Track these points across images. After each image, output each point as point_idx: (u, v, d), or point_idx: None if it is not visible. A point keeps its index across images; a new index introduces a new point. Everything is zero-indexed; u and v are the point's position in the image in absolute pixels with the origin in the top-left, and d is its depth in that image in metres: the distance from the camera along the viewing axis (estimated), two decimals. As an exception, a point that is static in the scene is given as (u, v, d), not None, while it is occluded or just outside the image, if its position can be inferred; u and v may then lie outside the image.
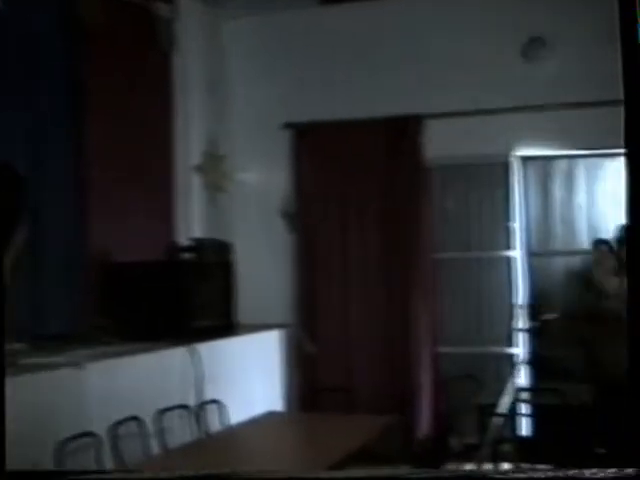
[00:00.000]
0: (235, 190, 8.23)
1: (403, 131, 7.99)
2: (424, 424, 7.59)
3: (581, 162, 7.98)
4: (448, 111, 7.82)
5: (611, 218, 7.72)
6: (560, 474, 1.88)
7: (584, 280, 5.41)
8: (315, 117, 8.18)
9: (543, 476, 1.74)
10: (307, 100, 8.21)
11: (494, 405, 4.83)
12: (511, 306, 7.85)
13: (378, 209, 8.10)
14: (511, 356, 4.94)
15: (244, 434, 5.99)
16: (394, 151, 8.03)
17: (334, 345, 8.09)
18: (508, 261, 8.03)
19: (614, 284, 5.41)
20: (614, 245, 5.66)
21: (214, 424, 6.25)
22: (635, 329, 1.90)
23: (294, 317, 8.21)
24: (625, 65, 1.95)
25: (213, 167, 7.95)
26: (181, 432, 5.98)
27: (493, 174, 8.09)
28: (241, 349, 7.12)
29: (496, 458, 5.85)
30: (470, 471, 4.34)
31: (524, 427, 7.50)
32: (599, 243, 5.77)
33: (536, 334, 5.01)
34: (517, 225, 7.98)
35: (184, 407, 6.08)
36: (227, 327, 7.07)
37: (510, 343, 7.53)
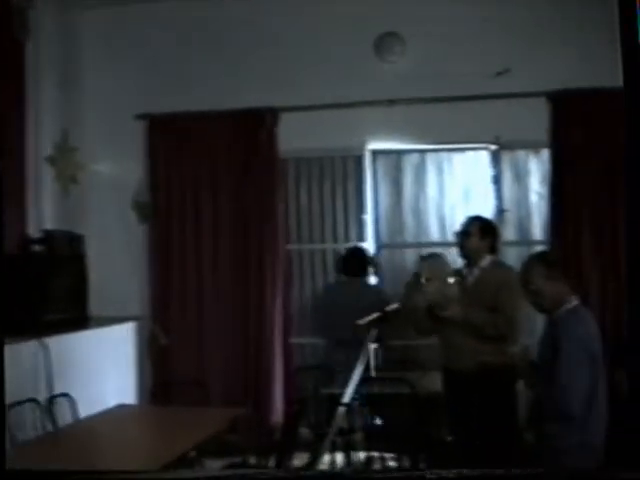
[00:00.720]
0: (88, 181, 8.09)
1: (259, 123, 8.02)
2: (277, 414, 7.65)
3: (431, 156, 8.15)
4: (303, 104, 7.90)
5: (460, 210, 7.94)
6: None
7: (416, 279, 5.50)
8: (170, 108, 8.11)
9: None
10: (162, 91, 8.12)
11: (343, 395, 4.90)
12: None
13: (233, 201, 8.11)
14: (361, 346, 5.04)
15: (93, 427, 5.93)
16: (249, 143, 8.05)
17: (188, 337, 8.06)
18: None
19: (446, 290, 5.50)
20: (457, 237, 5.78)
21: (65, 418, 6.17)
22: (635, 328, 1.94)
23: (147, 309, 8.13)
24: (625, 65, 1.99)
25: (65, 158, 7.80)
26: (31, 426, 5.88)
27: (346, 167, 8.22)
28: (93, 342, 7.03)
29: (345, 448, 5.96)
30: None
31: (374, 416, 7.65)
32: (430, 257, 5.82)
33: (383, 324, 5.09)
34: (369, 217, 8.10)
35: (34, 401, 5.97)
36: (79, 320, 6.95)
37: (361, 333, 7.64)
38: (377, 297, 6.87)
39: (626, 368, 4.99)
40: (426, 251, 6.65)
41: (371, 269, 7.47)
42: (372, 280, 7.64)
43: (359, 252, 7.49)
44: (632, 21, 1.96)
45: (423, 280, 5.42)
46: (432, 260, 5.62)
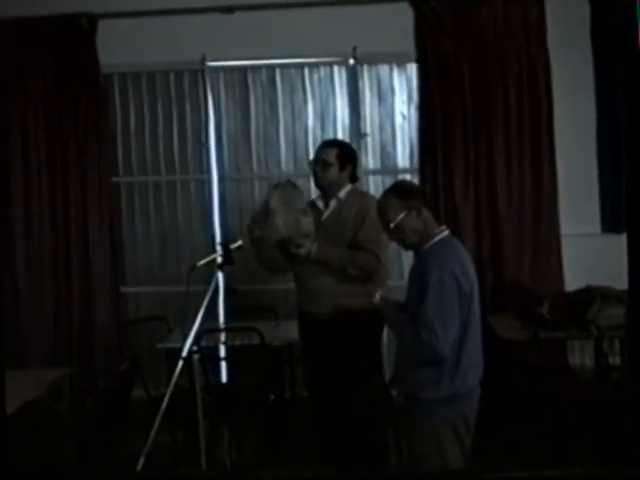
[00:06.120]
0: None
1: (75, 32, 7.67)
2: (107, 375, 7.46)
3: (281, 72, 7.99)
4: (126, 10, 7.61)
5: (315, 135, 7.85)
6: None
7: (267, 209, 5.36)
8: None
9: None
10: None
11: (183, 350, 4.75)
12: (205, 237, 7.85)
13: (50, 125, 7.77)
14: (205, 293, 4.87)
15: None
16: (65, 56, 7.71)
17: (-1, 289, 7.78)
18: (202, 186, 8.01)
19: (300, 224, 5.38)
20: (312, 166, 5.65)
21: None
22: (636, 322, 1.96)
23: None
24: (626, 66, 1.96)
25: None
26: None
27: (182, 84, 7.99)
28: None
29: (186, 410, 5.82)
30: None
31: (221, 372, 7.58)
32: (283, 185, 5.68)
33: (226, 266, 4.94)
34: (211, 145, 7.92)
35: None
36: None
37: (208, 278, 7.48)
38: None
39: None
40: (277, 180, 6.55)
41: None
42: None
43: None
44: (632, 21, 1.97)
45: (273, 210, 5.29)
46: (284, 189, 5.48)
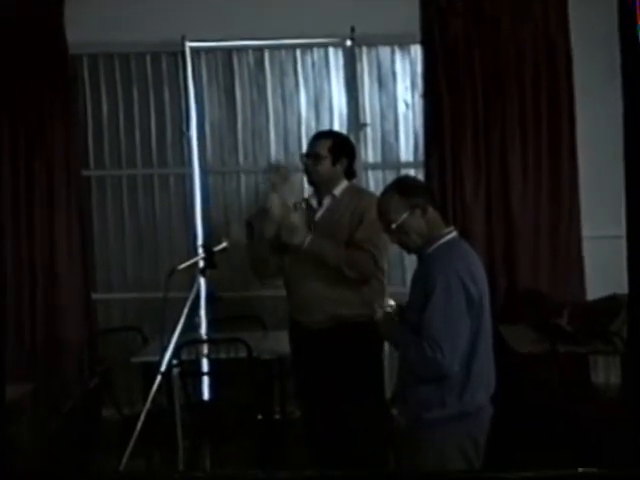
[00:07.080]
0: None
1: (39, 7, 7.66)
2: (73, 392, 7.46)
3: (271, 54, 8.00)
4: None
5: (309, 124, 7.85)
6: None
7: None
8: None
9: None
10: None
11: (161, 363, 4.75)
12: (186, 237, 7.85)
13: (9, 112, 7.72)
14: (185, 300, 4.86)
15: None
16: (28, 34, 7.64)
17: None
18: (182, 180, 8.00)
19: (290, 215, 5.40)
20: (303, 160, 5.65)
21: None
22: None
23: None
24: (625, 65, 2.06)
25: None
26: None
27: (160, 67, 7.99)
28: None
29: (164, 431, 5.84)
30: None
31: (203, 388, 7.58)
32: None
33: (209, 270, 4.94)
34: (193, 135, 7.91)
35: None
36: None
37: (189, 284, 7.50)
38: None
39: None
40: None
41: None
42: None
43: None
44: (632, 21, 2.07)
45: (275, 182, 5.33)
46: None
